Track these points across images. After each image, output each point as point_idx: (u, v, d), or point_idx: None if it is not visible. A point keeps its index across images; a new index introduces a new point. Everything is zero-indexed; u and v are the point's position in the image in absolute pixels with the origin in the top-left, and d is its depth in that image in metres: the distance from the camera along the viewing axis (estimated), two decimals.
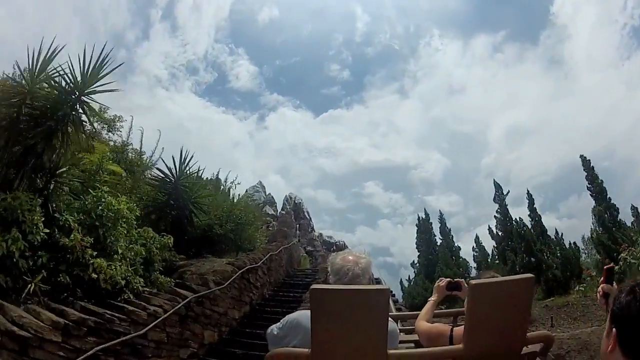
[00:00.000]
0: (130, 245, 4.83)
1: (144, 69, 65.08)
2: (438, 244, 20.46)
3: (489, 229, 18.20)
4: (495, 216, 17.81)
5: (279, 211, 37.00)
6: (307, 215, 35.78)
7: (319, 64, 75.42)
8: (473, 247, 18.61)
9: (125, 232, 4.80)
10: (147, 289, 4.98)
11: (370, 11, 75.71)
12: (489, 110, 73.57)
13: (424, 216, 22.13)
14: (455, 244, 19.53)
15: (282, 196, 39.25)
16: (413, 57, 72.15)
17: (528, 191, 17.72)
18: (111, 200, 4.63)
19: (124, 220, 4.75)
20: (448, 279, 2.27)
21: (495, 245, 17.38)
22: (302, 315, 1.75)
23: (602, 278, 1.49)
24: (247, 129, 71.65)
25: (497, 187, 18.25)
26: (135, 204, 5.54)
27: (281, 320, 1.82)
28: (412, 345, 2.31)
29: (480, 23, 73.72)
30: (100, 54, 4.48)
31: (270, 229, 34.16)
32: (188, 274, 6.23)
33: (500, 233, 17.29)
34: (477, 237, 19.27)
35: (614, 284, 1.43)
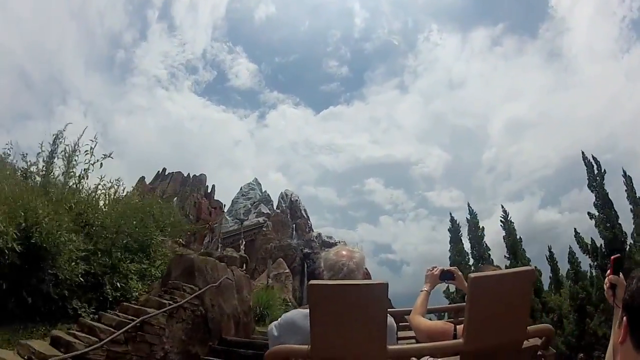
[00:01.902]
0: None
1: (143, 70, 62.82)
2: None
3: (576, 235, 11.98)
4: (592, 214, 11.71)
5: (275, 210, 33.53)
6: (304, 214, 32.37)
7: (317, 61, 73.01)
8: (568, 270, 12.38)
9: None
10: None
11: (368, 7, 73.02)
12: (489, 104, 70.96)
13: (467, 217, 16.39)
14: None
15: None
16: (412, 52, 69.65)
17: (624, 172, 11.70)
18: None
19: None
20: (442, 268, 2.16)
21: (595, 263, 11.10)
22: (297, 314, 1.78)
23: (609, 269, 1.35)
24: (247, 127, 69.09)
25: (590, 165, 12.10)
26: None
27: (280, 318, 1.83)
28: (413, 341, 2.18)
29: (478, 16, 71.03)
30: None
31: (265, 228, 30.31)
32: None
33: (601, 245, 11.07)
34: (572, 254, 11.94)
35: (621, 275, 1.30)
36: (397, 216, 65.58)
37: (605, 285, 1.31)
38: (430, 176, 70.51)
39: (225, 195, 35.02)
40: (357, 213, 67.11)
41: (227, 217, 35.11)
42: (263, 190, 38.17)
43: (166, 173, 23.22)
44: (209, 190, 23.07)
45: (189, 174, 23.07)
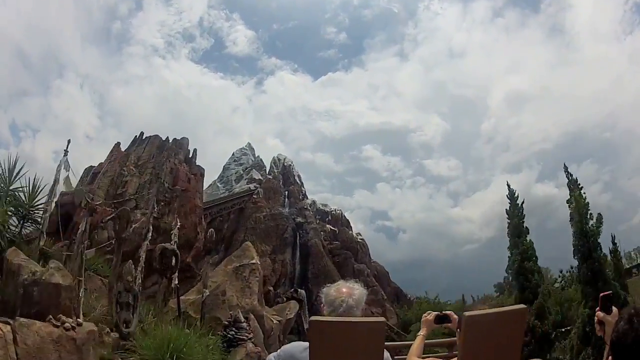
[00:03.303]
0: None
1: (140, 39, 59.73)
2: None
3: None
4: None
5: (266, 176, 31.76)
6: (298, 180, 30.68)
7: (315, 27, 69.58)
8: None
9: None
10: None
11: None
12: (489, 75, 68.57)
13: (569, 185, 10.76)
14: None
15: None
16: (412, 20, 66.02)
17: None
18: None
19: None
20: (436, 313, 2.21)
21: None
22: (296, 347, 1.86)
23: (598, 306, 1.40)
24: (245, 93, 66.71)
25: None
26: None
27: (279, 350, 1.90)
28: None
29: None
30: None
31: (255, 196, 28.51)
32: None
33: None
34: None
35: (613, 310, 1.33)
36: (394, 183, 64.69)
37: (595, 321, 1.36)
38: (428, 144, 69.04)
39: (221, 163, 33.22)
40: (354, 179, 66.16)
41: (217, 184, 33.16)
42: (256, 155, 36.29)
43: (144, 137, 20.89)
44: (190, 155, 20.67)
45: (167, 137, 20.69)
